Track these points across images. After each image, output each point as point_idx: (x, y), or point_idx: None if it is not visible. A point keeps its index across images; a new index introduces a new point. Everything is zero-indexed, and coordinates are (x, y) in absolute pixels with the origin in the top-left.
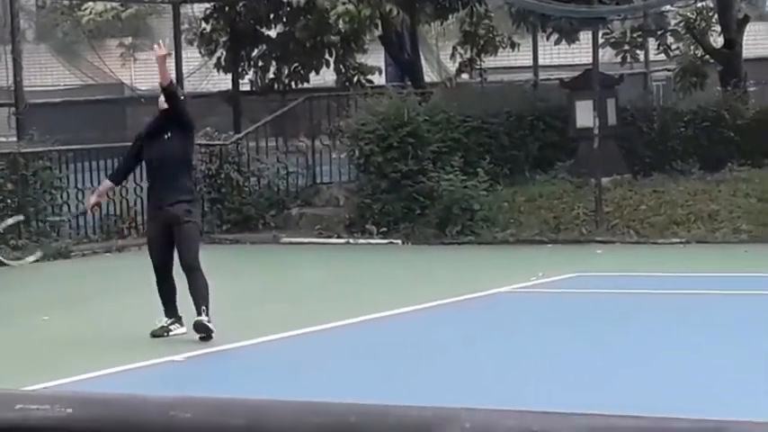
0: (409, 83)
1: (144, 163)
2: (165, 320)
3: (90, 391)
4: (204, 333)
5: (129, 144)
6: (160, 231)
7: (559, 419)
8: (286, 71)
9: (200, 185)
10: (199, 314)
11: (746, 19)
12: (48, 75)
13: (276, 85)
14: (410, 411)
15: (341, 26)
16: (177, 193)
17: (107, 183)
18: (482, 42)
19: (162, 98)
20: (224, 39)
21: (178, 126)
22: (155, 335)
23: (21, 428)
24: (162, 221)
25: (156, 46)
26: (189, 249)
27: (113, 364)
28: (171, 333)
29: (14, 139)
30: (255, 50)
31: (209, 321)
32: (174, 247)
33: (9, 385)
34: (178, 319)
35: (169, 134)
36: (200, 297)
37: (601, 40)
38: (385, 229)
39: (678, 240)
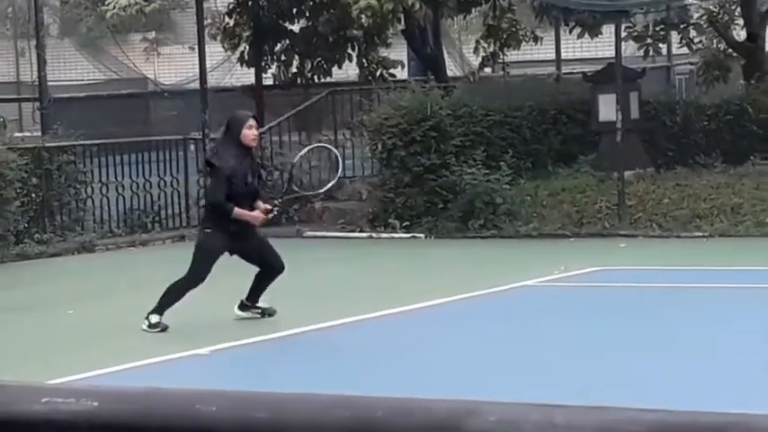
0: (432, 77)
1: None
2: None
3: (115, 384)
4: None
5: (154, 138)
6: None
7: (583, 413)
8: (309, 65)
9: None
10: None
11: None
12: (71, 69)
13: (299, 80)
14: (436, 404)
15: (363, 20)
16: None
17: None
18: (505, 36)
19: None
20: (247, 33)
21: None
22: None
23: (47, 422)
24: None
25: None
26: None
27: (138, 358)
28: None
29: (39, 133)
30: (278, 45)
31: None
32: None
33: (34, 378)
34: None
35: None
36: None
37: (623, 34)
38: (408, 223)
39: (701, 234)
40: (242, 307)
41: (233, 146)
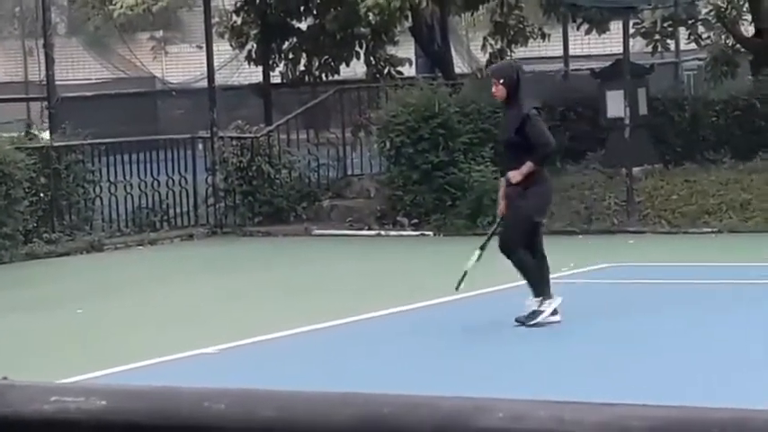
0: (440, 74)
1: None
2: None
3: (123, 383)
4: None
5: (162, 137)
6: None
7: (590, 409)
8: (317, 63)
9: (232, 178)
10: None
11: None
12: (79, 69)
13: (307, 78)
14: (444, 401)
15: (371, 18)
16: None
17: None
18: (512, 33)
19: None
20: (254, 31)
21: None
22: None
23: (56, 421)
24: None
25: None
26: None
27: (146, 357)
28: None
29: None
30: (286, 43)
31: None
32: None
33: (43, 377)
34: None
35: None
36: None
37: (631, 30)
38: (416, 220)
39: (710, 230)
40: None
41: None
